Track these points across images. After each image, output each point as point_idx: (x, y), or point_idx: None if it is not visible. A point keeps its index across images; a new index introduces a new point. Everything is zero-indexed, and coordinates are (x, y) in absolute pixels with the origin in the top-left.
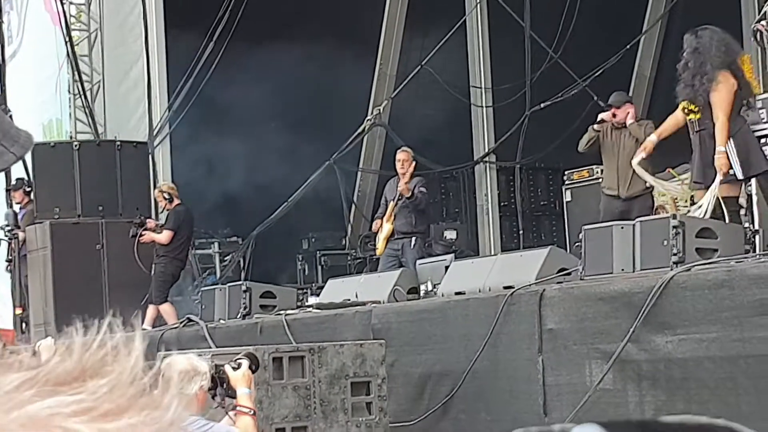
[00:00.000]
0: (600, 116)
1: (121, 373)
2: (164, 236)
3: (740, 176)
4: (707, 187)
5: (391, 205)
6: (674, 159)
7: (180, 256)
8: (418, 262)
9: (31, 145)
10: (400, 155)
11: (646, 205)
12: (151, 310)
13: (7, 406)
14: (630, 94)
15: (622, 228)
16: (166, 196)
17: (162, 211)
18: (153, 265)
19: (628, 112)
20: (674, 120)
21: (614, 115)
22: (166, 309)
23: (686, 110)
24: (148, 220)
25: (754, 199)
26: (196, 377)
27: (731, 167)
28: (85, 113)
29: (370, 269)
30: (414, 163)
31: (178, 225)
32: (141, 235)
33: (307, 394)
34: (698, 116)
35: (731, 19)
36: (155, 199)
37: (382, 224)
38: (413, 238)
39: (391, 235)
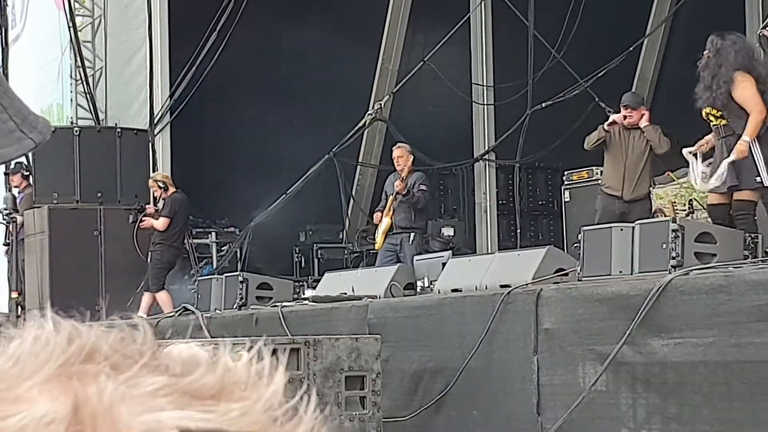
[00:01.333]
0: (612, 117)
1: (256, 400)
2: (161, 223)
3: (767, 183)
4: (744, 189)
5: (390, 199)
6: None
7: (176, 243)
8: (415, 258)
9: (49, 131)
10: (396, 152)
11: (645, 208)
12: (146, 298)
13: (141, 407)
14: None
15: (621, 230)
16: (161, 185)
17: (158, 201)
18: (149, 253)
19: (643, 115)
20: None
21: (626, 117)
22: (162, 297)
23: (710, 116)
24: (147, 206)
25: None
26: None
27: (756, 165)
28: (87, 99)
29: (367, 263)
30: (412, 158)
31: (175, 212)
32: (141, 221)
33: (301, 387)
34: (724, 122)
35: (735, 24)
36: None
37: (381, 218)
38: (412, 234)
39: (390, 230)
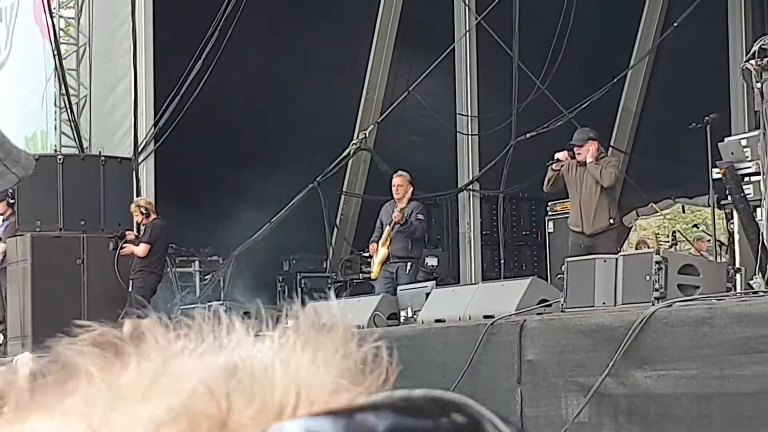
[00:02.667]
0: (556, 155)
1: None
2: (141, 249)
3: None
4: None
5: (387, 229)
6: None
7: (156, 269)
8: (399, 288)
9: (32, 166)
10: (396, 180)
11: (610, 239)
12: (127, 325)
13: None
14: (615, 127)
15: (605, 261)
16: (143, 211)
17: (140, 227)
18: (130, 281)
19: (590, 150)
20: None
21: (577, 154)
22: (146, 324)
23: None
24: (127, 232)
25: (736, 237)
26: None
27: None
28: (71, 127)
29: (351, 293)
30: (411, 188)
31: (155, 238)
32: (122, 248)
33: None
34: None
35: (719, 56)
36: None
37: (378, 248)
38: (408, 264)
39: (387, 259)
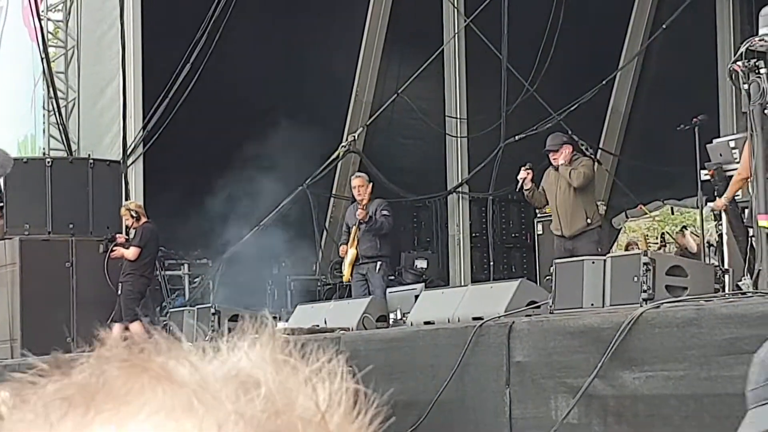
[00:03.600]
0: (519, 177)
1: None
2: (131, 252)
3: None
4: None
5: (354, 230)
6: (645, 196)
7: (146, 273)
8: (388, 290)
9: (11, 164)
10: (355, 182)
11: (591, 241)
12: (116, 329)
13: None
14: (604, 129)
15: (593, 263)
16: (134, 214)
17: (129, 231)
18: (120, 284)
19: (563, 153)
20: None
21: (553, 160)
22: (135, 328)
23: None
24: (118, 236)
25: (724, 238)
26: None
27: None
28: (59, 130)
29: (340, 296)
30: (371, 186)
31: (146, 241)
32: (112, 251)
33: None
34: None
35: (707, 58)
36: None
37: (347, 250)
38: (378, 263)
39: (357, 260)
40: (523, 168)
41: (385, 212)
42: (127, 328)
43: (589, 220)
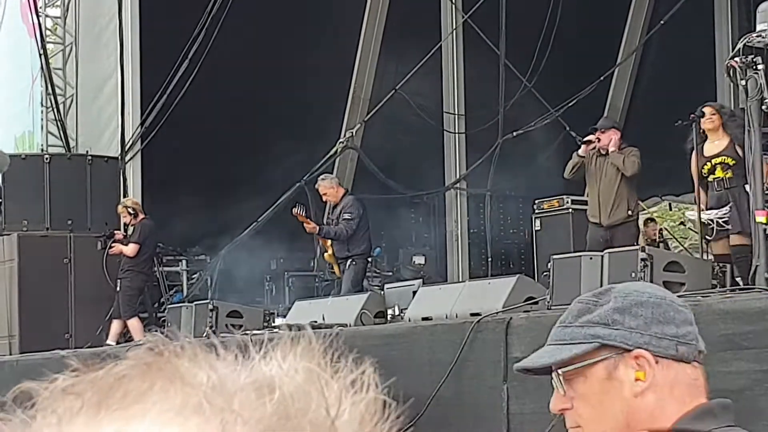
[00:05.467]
0: (585, 139)
1: None
2: (130, 249)
3: None
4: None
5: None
6: (644, 192)
7: (145, 269)
8: (386, 286)
9: (7, 163)
10: (320, 189)
11: (629, 233)
12: (115, 326)
13: None
14: None
15: (591, 259)
16: (131, 211)
17: (127, 228)
18: (118, 281)
19: (612, 138)
20: None
21: (598, 139)
22: (133, 324)
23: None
24: (115, 232)
25: None
26: None
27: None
28: (57, 126)
29: (338, 292)
30: (335, 187)
31: (144, 238)
32: (110, 247)
33: None
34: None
35: (705, 54)
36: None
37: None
38: (348, 261)
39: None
40: (594, 135)
41: (346, 215)
42: (125, 325)
43: (630, 212)
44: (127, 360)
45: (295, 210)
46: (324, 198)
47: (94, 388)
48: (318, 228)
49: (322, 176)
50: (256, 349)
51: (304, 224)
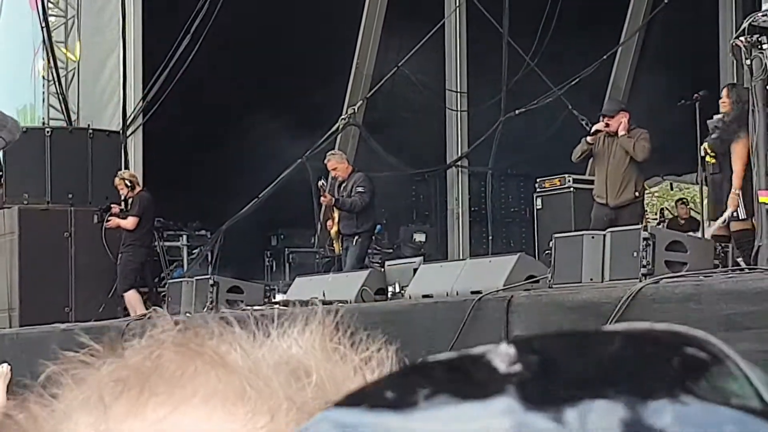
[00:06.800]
0: (594, 127)
1: None
2: (129, 222)
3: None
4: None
5: (323, 209)
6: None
7: (146, 243)
8: (387, 263)
9: (19, 131)
10: (329, 164)
11: (635, 214)
12: (132, 296)
13: None
14: (605, 104)
15: (593, 237)
16: (128, 183)
17: (124, 199)
18: (120, 254)
19: (621, 122)
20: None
21: (607, 125)
22: (130, 297)
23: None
24: (113, 206)
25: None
26: None
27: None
28: (59, 99)
29: (339, 268)
30: (344, 163)
31: (143, 211)
32: (107, 221)
33: None
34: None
35: (709, 33)
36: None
37: (332, 225)
38: (355, 238)
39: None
40: (600, 124)
41: (360, 188)
42: (122, 297)
43: (637, 193)
44: (157, 340)
45: (320, 182)
46: (333, 173)
47: (134, 372)
48: (334, 200)
49: (331, 151)
50: (272, 326)
51: (321, 197)
